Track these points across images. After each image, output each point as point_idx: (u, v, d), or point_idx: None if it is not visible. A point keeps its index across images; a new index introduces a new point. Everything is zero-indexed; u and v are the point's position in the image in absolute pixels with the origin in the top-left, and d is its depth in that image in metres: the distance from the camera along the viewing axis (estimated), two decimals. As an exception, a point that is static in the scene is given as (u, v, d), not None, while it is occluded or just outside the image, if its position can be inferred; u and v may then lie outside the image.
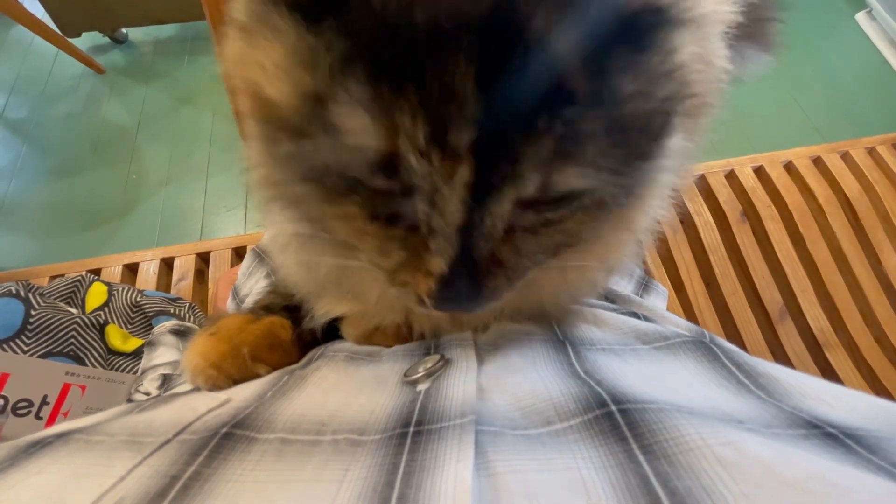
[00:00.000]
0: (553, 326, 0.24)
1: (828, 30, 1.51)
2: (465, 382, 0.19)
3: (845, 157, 0.74)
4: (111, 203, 1.18)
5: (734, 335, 0.63)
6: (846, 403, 0.17)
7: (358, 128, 0.15)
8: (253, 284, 0.40)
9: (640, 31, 0.15)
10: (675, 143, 0.18)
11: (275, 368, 0.25)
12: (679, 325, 0.27)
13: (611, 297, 0.30)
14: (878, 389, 0.60)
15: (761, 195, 0.70)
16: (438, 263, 0.17)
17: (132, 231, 1.15)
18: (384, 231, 0.18)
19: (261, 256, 0.43)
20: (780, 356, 0.62)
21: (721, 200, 0.70)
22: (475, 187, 0.16)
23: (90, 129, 1.31)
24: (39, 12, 1.34)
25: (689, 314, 0.64)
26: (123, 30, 1.45)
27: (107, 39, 1.46)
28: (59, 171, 1.25)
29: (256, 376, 0.25)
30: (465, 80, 0.14)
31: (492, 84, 0.14)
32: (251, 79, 0.17)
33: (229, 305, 0.43)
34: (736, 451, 0.14)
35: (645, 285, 0.41)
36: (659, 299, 0.41)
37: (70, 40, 1.34)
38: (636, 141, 0.16)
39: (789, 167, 0.73)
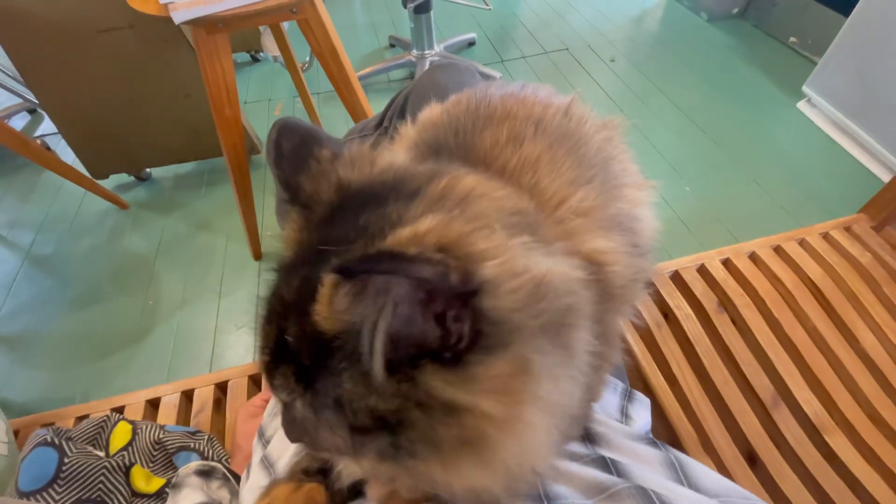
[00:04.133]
0: (538, 484, 0.27)
1: (776, 120, 1.69)
2: None
3: (802, 243, 0.81)
4: (127, 330, 1.24)
5: (732, 425, 0.65)
6: None
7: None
8: (278, 425, 0.43)
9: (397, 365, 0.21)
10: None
11: None
12: (651, 458, 0.31)
13: (589, 433, 0.34)
14: (884, 471, 0.60)
15: (733, 286, 0.76)
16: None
17: (147, 356, 1.19)
18: None
19: None
20: (782, 444, 0.64)
21: (697, 293, 0.76)
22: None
23: (111, 261, 1.41)
24: (70, 157, 1.51)
25: (686, 408, 0.66)
26: (147, 169, 1.62)
27: (132, 178, 1.62)
28: (78, 303, 1.32)
29: None
30: (265, 344, 0.23)
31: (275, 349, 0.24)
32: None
33: (255, 445, 0.46)
34: None
35: (629, 396, 0.45)
36: (643, 409, 0.45)
37: (97, 181, 1.50)
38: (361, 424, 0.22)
39: (754, 257, 0.80)
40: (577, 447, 0.31)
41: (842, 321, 0.73)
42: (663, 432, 0.66)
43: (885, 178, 1.42)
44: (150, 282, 1.35)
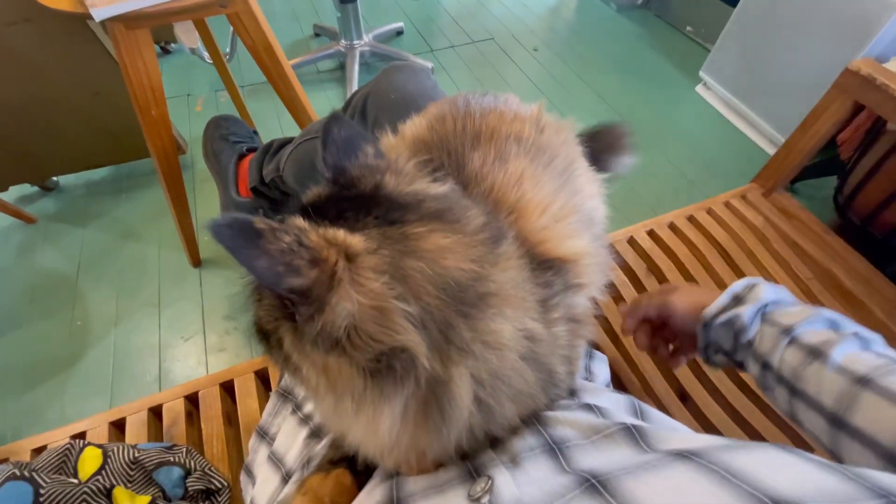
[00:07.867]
0: (543, 433, 0.32)
1: (678, 103, 1.88)
2: (510, 493, 0.28)
3: (710, 212, 0.95)
4: (55, 355, 1.14)
5: (671, 378, 0.75)
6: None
7: None
8: (281, 422, 0.45)
9: None
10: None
11: None
12: (619, 403, 0.38)
13: (570, 389, 0.40)
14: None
15: (658, 253, 0.87)
16: None
17: (83, 381, 1.11)
18: None
19: (285, 395, 0.49)
20: (707, 383, 0.75)
21: (629, 262, 0.86)
22: None
23: (24, 282, 1.28)
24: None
25: (628, 360, 0.76)
26: (54, 177, 1.47)
27: (35, 189, 1.46)
28: (-9, 332, 1.19)
29: None
30: None
31: None
32: None
33: (252, 443, 0.47)
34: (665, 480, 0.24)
35: (590, 354, 0.52)
36: (602, 364, 0.52)
37: (-5, 195, 1.33)
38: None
39: (672, 226, 0.92)
40: (565, 400, 0.37)
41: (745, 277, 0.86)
42: (612, 382, 0.76)
43: (771, 150, 1.66)
44: (74, 301, 1.24)
